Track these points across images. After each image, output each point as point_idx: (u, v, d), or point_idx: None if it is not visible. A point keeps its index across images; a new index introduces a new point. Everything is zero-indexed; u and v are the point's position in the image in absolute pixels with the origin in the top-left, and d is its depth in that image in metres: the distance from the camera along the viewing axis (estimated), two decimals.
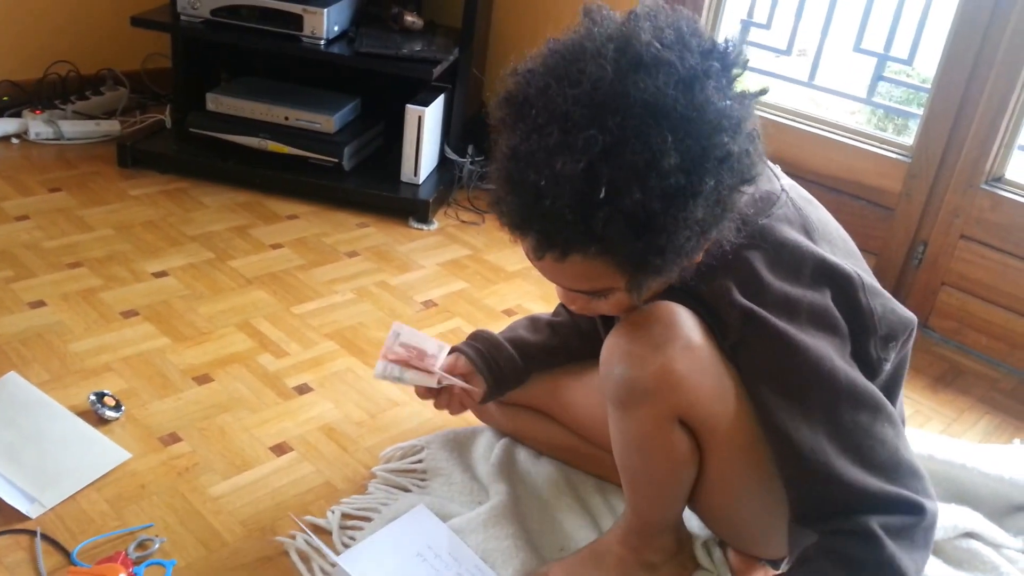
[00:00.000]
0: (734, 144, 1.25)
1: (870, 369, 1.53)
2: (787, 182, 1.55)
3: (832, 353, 1.42)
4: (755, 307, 1.41)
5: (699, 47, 1.28)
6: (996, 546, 1.90)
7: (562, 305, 1.99)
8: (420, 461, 1.99)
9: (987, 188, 2.62)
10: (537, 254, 1.32)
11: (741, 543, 1.72)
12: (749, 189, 1.37)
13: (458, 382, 1.77)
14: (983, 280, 2.67)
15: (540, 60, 1.35)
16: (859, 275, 1.51)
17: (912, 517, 1.40)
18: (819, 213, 1.57)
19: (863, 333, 1.51)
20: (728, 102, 1.26)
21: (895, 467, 1.41)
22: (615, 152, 1.20)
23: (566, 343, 1.94)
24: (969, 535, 1.90)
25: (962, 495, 2.01)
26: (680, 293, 1.47)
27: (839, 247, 1.54)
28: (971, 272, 2.69)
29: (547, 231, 1.27)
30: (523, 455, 2.02)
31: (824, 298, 1.46)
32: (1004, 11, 2.50)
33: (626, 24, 1.32)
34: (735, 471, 1.51)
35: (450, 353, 1.85)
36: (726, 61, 1.30)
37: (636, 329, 1.44)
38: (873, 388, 1.45)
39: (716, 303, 1.45)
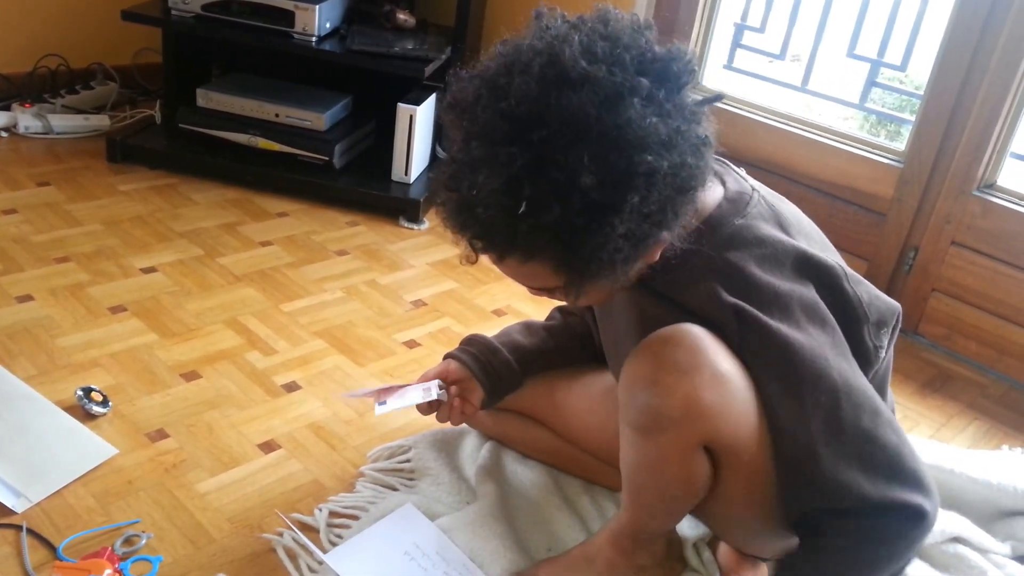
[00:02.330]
0: (662, 160, 1.24)
1: (868, 360, 1.54)
2: (754, 182, 1.55)
3: (828, 351, 1.41)
4: (745, 304, 1.40)
5: (635, 60, 1.27)
6: (983, 551, 1.90)
7: (557, 309, 2.00)
8: (408, 460, 1.99)
9: (979, 195, 2.62)
10: (477, 253, 1.36)
11: (737, 543, 1.71)
12: (713, 193, 1.44)
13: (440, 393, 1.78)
14: (973, 287, 2.67)
15: (483, 66, 1.33)
16: (840, 265, 1.51)
17: (909, 522, 1.40)
18: (790, 208, 1.56)
19: (855, 323, 1.51)
20: (653, 119, 1.24)
21: (896, 472, 1.40)
22: (535, 169, 1.21)
23: (561, 346, 1.93)
24: (956, 540, 1.90)
25: (950, 500, 2.01)
26: (664, 303, 1.48)
27: (815, 240, 1.54)
28: (962, 278, 2.69)
29: (479, 236, 1.30)
30: (510, 456, 2.02)
31: (810, 292, 1.45)
32: (998, 18, 2.51)
33: (559, 36, 1.31)
34: (751, 486, 1.48)
35: (444, 359, 1.85)
36: (664, 74, 1.28)
37: (659, 354, 1.41)
38: (871, 391, 1.44)
39: (705, 307, 1.43)
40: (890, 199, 2.78)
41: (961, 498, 2.02)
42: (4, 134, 3.30)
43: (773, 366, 1.40)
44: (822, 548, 1.45)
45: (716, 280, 1.42)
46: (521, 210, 1.22)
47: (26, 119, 3.32)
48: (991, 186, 2.64)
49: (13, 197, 2.88)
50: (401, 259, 2.90)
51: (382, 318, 2.55)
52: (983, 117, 2.57)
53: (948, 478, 2.03)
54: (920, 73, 2.87)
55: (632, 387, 1.43)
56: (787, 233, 1.49)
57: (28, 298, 2.38)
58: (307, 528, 1.78)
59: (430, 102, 3.24)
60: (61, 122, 3.37)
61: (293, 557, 1.70)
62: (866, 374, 1.51)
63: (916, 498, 1.39)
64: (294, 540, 1.73)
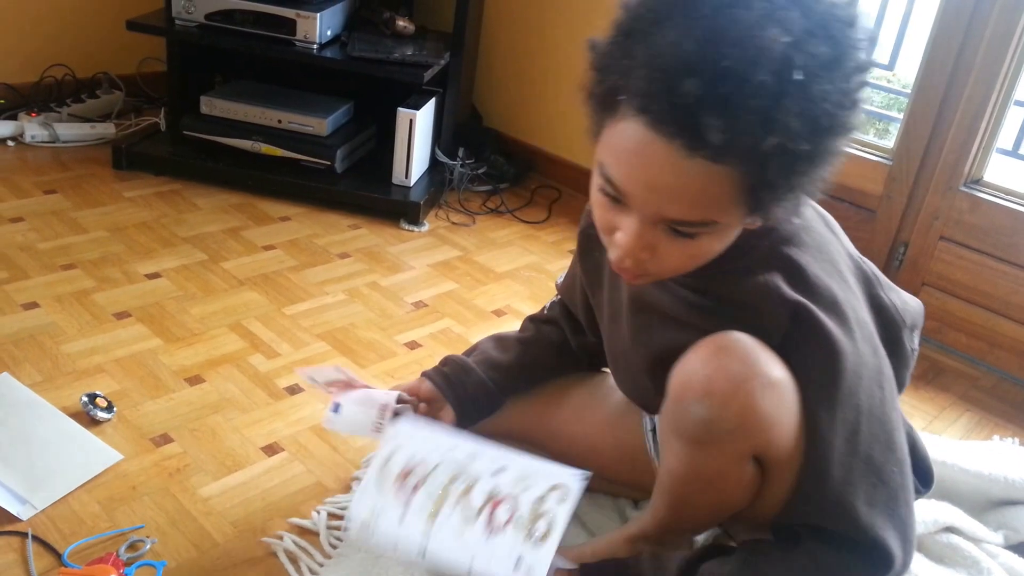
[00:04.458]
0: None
1: (906, 363, 1.55)
2: None
3: (866, 371, 1.39)
4: (806, 301, 1.35)
5: None
6: (976, 541, 1.92)
7: (529, 319, 1.97)
8: None
9: (966, 190, 2.65)
10: (675, 151, 1.14)
11: (735, 533, 1.69)
12: None
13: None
14: (963, 281, 2.71)
15: None
16: (873, 272, 1.51)
17: (875, 569, 1.39)
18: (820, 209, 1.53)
19: (895, 328, 1.50)
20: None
21: (890, 513, 1.38)
22: (809, 39, 1.10)
23: (538, 360, 1.91)
24: (949, 530, 1.92)
25: (942, 491, 2.02)
26: (704, 297, 1.44)
27: (846, 243, 1.53)
28: (951, 273, 2.73)
29: (721, 116, 1.09)
30: None
31: (862, 307, 1.43)
32: (983, 17, 2.54)
33: None
34: (780, 490, 1.44)
35: (420, 377, 1.86)
36: None
37: (711, 363, 1.35)
38: (893, 426, 1.42)
39: (760, 301, 1.38)
40: (879, 196, 2.82)
41: (953, 489, 2.05)
42: (11, 143, 3.35)
43: (817, 371, 1.36)
44: (789, 559, 1.42)
45: (776, 274, 1.37)
46: (796, 76, 1.09)
47: (32, 128, 3.37)
48: (978, 182, 2.67)
49: (20, 205, 2.93)
50: (402, 261, 2.94)
51: (383, 320, 2.59)
52: (969, 114, 2.60)
53: (940, 469, 2.03)
54: (907, 72, 2.90)
55: (683, 398, 1.38)
56: (837, 238, 1.49)
57: (34, 305, 2.42)
58: (307, 532, 1.81)
59: (430, 107, 3.28)
60: (67, 131, 3.41)
61: (294, 560, 1.72)
62: (903, 376, 1.53)
63: (895, 547, 1.37)
64: (295, 543, 1.75)
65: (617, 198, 1.26)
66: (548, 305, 1.98)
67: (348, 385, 1.81)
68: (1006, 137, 2.66)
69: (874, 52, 1.18)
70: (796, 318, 1.35)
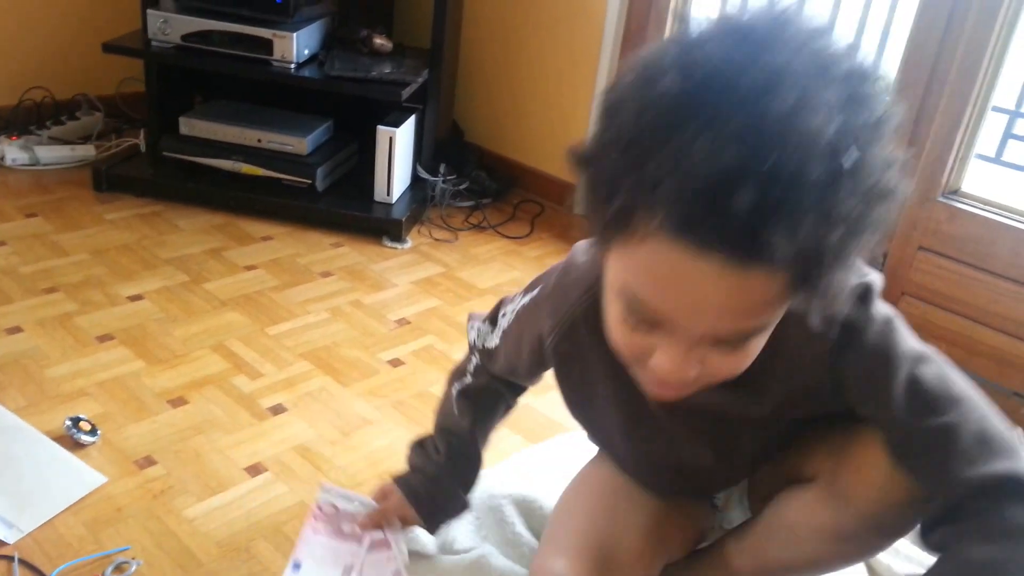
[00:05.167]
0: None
1: None
2: None
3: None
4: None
5: None
6: None
7: (463, 395, 1.78)
8: None
9: (944, 201, 2.67)
10: (727, 268, 0.98)
11: None
12: None
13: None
14: (942, 290, 2.72)
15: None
16: None
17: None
18: None
19: None
20: None
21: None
22: (847, 113, 0.96)
23: (490, 430, 1.81)
24: None
25: None
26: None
27: None
28: (930, 283, 2.74)
29: (780, 223, 0.94)
30: (511, 514, 1.95)
31: None
32: (956, 26, 2.55)
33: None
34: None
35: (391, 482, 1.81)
36: None
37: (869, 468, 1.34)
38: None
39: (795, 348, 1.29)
40: None
41: None
42: None
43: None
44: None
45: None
46: (847, 163, 0.95)
47: (13, 151, 3.37)
48: (955, 192, 2.69)
49: (1, 229, 2.93)
50: (384, 279, 2.94)
51: (366, 338, 2.60)
52: (945, 124, 2.62)
53: None
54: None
55: (855, 499, 1.37)
56: None
57: (17, 329, 2.43)
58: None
59: (410, 124, 3.29)
60: (48, 153, 3.42)
61: None
62: None
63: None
64: None
65: (650, 322, 1.10)
66: (472, 370, 1.77)
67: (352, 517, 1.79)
68: (988, 144, 2.67)
69: (893, 93, 1.06)
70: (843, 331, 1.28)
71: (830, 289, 1.03)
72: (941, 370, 1.28)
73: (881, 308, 1.28)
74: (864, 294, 1.27)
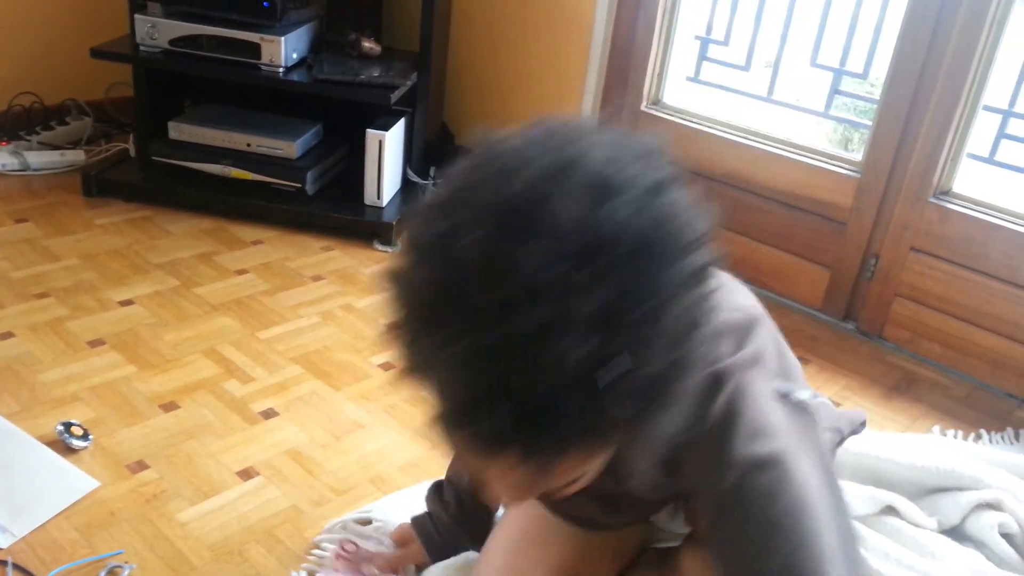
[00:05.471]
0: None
1: None
2: None
3: None
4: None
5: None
6: (915, 525, 2.00)
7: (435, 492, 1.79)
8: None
9: (935, 202, 2.68)
10: (505, 465, 0.95)
11: None
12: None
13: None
14: (934, 291, 2.73)
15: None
16: None
17: None
18: None
19: None
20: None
21: None
22: (620, 312, 0.88)
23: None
24: (890, 510, 2.02)
25: (878, 482, 2.11)
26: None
27: None
28: (922, 283, 2.75)
29: (542, 437, 0.90)
30: None
31: None
32: (945, 27, 2.56)
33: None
34: None
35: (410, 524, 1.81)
36: None
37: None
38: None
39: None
40: (849, 208, 2.84)
41: (889, 480, 2.12)
42: None
43: None
44: None
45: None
46: (605, 383, 0.88)
47: (2, 157, 3.36)
48: (946, 193, 2.69)
49: None
50: (375, 282, 2.94)
51: (358, 341, 2.59)
52: (935, 126, 2.63)
53: (875, 463, 2.14)
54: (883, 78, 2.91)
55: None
56: None
57: (9, 335, 2.42)
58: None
59: (399, 127, 3.29)
60: (37, 158, 3.40)
61: None
62: None
63: None
64: None
65: None
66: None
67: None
68: (982, 144, 2.68)
69: (707, 237, 0.97)
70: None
71: (640, 441, 0.98)
72: (772, 483, 1.13)
73: (726, 403, 1.16)
74: (710, 388, 1.15)
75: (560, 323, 0.85)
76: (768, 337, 1.29)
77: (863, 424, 1.59)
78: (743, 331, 1.23)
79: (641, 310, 0.88)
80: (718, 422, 1.15)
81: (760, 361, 1.21)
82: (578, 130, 0.99)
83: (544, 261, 0.86)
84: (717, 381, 1.15)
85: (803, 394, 1.27)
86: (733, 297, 1.28)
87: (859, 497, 2.00)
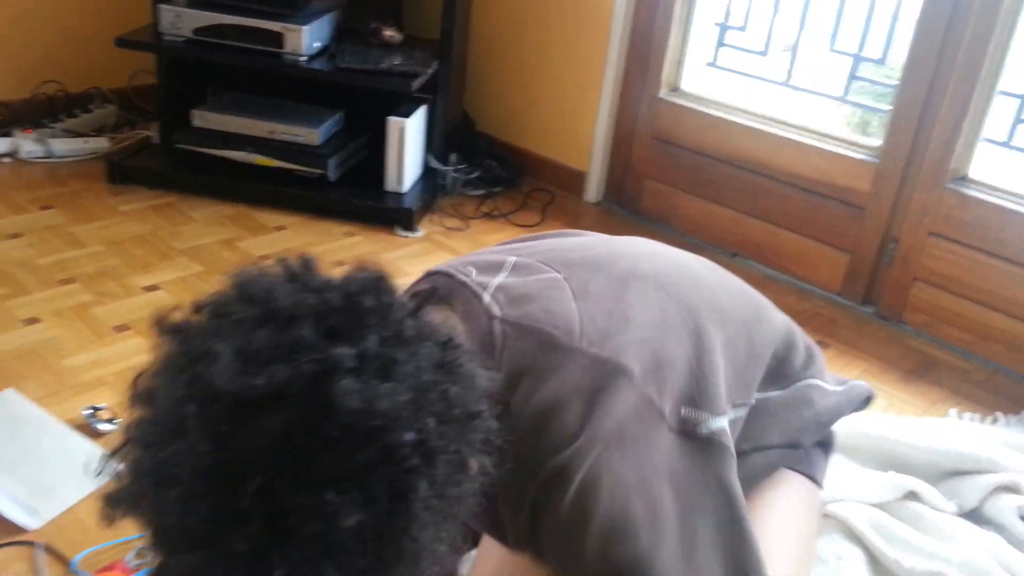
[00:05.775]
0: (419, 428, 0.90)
1: None
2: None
3: None
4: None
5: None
6: (935, 508, 2.00)
7: None
8: None
9: (952, 187, 2.68)
10: None
11: None
12: None
13: None
14: (953, 275, 2.74)
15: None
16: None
17: None
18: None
19: None
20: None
21: None
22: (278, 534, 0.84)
23: None
24: (912, 495, 2.01)
25: (897, 466, 2.12)
26: None
27: None
28: (941, 268, 2.75)
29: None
30: None
31: None
32: (963, 14, 2.57)
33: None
34: None
35: None
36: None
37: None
38: None
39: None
40: (868, 193, 2.85)
41: (908, 464, 2.13)
42: (7, 159, 3.37)
43: None
44: None
45: None
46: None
47: (27, 144, 3.39)
48: (963, 178, 2.70)
49: (17, 221, 2.95)
50: (398, 267, 2.96)
51: None
52: (953, 112, 2.63)
53: (894, 447, 2.15)
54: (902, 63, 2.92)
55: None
56: None
57: (35, 320, 2.45)
58: None
59: (420, 114, 3.31)
60: (62, 146, 3.44)
61: None
62: None
63: None
64: None
65: None
66: None
67: None
68: (999, 130, 2.68)
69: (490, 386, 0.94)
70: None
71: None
72: (627, 552, 1.08)
73: (575, 499, 1.10)
74: (553, 480, 1.11)
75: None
76: (654, 365, 1.18)
77: (867, 400, 1.61)
78: (594, 392, 1.13)
79: (403, 512, 0.86)
80: (570, 521, 1.10)
81: (622, 423, 1.12)
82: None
83: (272, 476, 0.82)
84: (560, 474, 1.10)
85: (716, 422, 1.19)
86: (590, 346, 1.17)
87: (881, 484, 2.00)
